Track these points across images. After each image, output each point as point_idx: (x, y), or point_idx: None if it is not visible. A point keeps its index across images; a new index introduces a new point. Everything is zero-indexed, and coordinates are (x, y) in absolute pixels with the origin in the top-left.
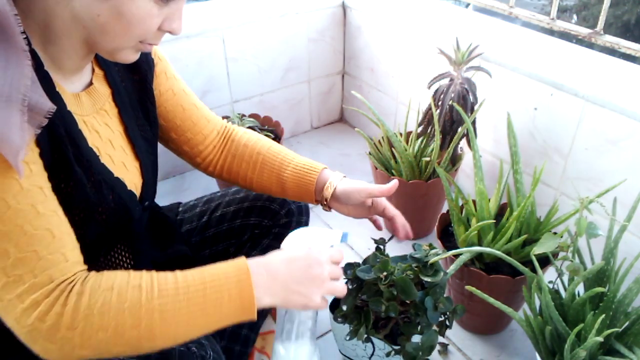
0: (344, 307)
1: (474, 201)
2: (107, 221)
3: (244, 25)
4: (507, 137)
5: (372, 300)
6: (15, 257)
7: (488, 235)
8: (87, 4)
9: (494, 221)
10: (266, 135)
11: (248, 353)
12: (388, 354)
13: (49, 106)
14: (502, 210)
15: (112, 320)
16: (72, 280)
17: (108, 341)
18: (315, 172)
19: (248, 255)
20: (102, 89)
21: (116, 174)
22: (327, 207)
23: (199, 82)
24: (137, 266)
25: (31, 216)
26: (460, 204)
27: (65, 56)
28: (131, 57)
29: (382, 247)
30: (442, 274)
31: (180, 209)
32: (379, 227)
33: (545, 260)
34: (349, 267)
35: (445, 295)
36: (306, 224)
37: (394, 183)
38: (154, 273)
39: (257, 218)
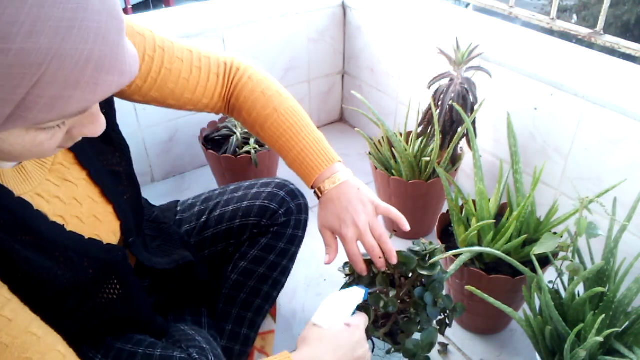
0: None
1: (474, 201)
2: (90, 281)
3: (244, 25)
4: (507, 137)
5: (371, 297)
6: None
7: (488, 235)
8: None
9: (494, 221)
10: None
11: (248, 353)
12: (388, 352)
13: None
14: (502, 210)
15: None
16: None
17: None
18: (327, 164)
19: (246, 255)
20: None
21: (88, 235)
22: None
23: None
24: (127, 297)
25: (3, 326)
26: (460, 204)
27: None
28: (67, 145)
29: None
30: (439, 268)
31: (179, 208)
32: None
33: (545, 260)
34: (346, 264)
35: (445, 294)
36: (305, 222)
37: (403, 221)
38: None
39: (256, 218)
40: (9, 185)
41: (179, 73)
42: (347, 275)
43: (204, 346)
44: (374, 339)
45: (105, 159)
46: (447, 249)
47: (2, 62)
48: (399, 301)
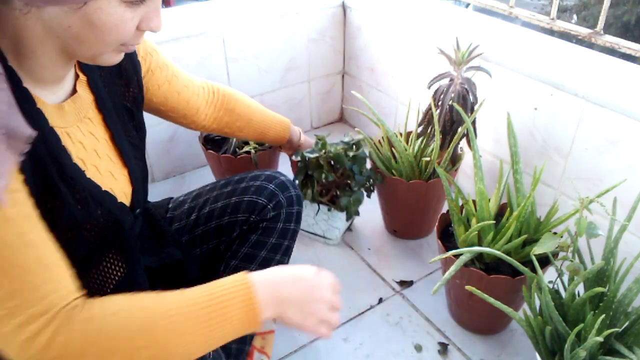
0: (297, 180)
1: (474, 201)
2: (97, 236)
3: (244, 25)
4: (507, 137)
5: (316, 172)
6: (8, 289)
7: (488, 236)
8: (57, 16)
9: (494, 222)
10: None
11: (246, 351)
12: (329, 209)
13: (29, 132)
14: (502, 210)
15: (125, 342)
16: (73, 307)
17: None
18: (287, 129)
19: (237, 253)
20: (86, 96)
21: (104, 187)
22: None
23: None
24: (130, 274)
25: (20, 246)
26: (460, 204)
27: (43, 69)
28: (114, 59)
29: (324, 138)
30: (363, 149)
31: (170, 205)
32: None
33: (545, 260)
34: (297, 153)
35: (368, 167)
36: (298, 214)
37: None
38: (158, 293)
39: (245, 214)
40: (46, 113)
41: (182, 82)
42: (299, 161)
43: None
44: (320, 205)
45: (126, 130)
46: (447, 249)
47: None
48: (335, 174)
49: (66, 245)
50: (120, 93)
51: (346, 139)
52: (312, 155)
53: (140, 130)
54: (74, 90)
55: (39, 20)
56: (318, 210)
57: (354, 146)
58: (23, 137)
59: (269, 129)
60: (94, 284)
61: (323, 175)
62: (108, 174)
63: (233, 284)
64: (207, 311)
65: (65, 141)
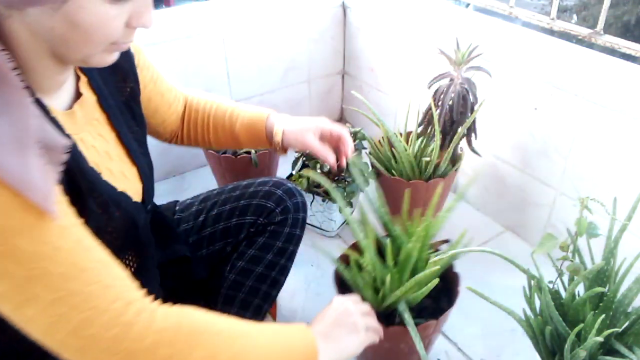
0: (294, 172)
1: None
2: (117, 237)
3: (244, 25)
4: (507, 137)
5: (312, 162)
6: (83, 292)
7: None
8: (39, 19)
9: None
10: None
11: None
12: (324, 200)
13: (64, 143)
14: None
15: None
16: (150, 303)
17: None
18: (262, 120)
19: (244, 254)
20: (89, 97)
21: (119, 188)
22: (283, 150)
23: (199, 82)
24: (143, 270)
25: (81, 251)
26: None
27: (42, 77)
28: (107, 60)
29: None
30: (359, 141)
31: (177, 207)
32: (332, 165)
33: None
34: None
35: (363, 162)
36: (303, 220)
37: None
38: (229, 319)
39: (253, 217)
40: (60, 121)
41: (166, 84)
42: (296, 151)
43: None
44: (315, 196)
45: (130, 127)
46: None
47: None
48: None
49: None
50: (119, 89)
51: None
52: None
53: (142, 124)
54: (78, 93)
55: (22, 24)
56: (313, 200)
57: (352, 137)
58: (59, 148)
59: (240, 138)
60: None
61: (318, 166)
62: (120, 174)
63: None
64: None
65: (80, 147)
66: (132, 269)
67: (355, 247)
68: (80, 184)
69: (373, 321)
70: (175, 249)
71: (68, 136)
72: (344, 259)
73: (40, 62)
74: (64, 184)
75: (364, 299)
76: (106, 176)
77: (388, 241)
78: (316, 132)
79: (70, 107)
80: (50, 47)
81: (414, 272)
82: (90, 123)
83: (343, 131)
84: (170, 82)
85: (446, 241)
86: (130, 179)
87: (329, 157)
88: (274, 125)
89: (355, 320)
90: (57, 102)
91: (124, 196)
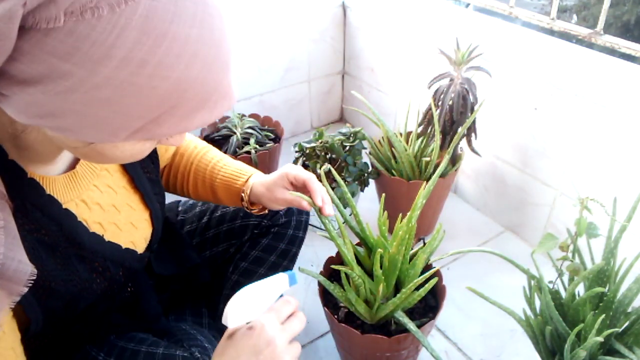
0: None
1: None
2: (118, 288)
3: (244, 25)
4: (507, 137)
5: (311, 162)
6: None
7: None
8: (63, 139)
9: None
10: (266, 136)
11: None
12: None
13: (29, 271)
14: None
15: None
16: None
17: None
18: (243, 177)
19: (247, 255)
20: None
21: (125, 244)
22: (258, 210)
23: None
24: (140, 294)
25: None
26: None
27: (44, 157)
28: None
29: (322, 130)
30: (357, 141)
31: (180, 208)
32: (305, 208)
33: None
34: (295, 144)
35: (363, 161)
36: (306, 223)
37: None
38: None
39: (257, 218)
40: (57, 192)
41: None
42: (296, 151)
43: (206, 345)
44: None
45: (144, 167)
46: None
47: (160, 85)
48: (331, 166)
49: (90, 311)
50: None
51: (344, 130)
52: (309, 145)
53: (156, 160)
54: None
55: (40, 131)
56: None
57: (352, 136)
58: (21, 279)
59: (218, 194)
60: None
61: (318, 165)
62: (128, 226)
63: None
64: None
65: (82, 211)
66: (128, 293)
67: (339, 258)
68: (71, 256)
69: (292, 328)
70: (186, 258)
71: (65, 210)
72: (327, 271)
73: (47, 149)
74: (47, 262)
75: (357, 314)
76: (110, 234)
77: (363, 250)
78: (285, 183)
79: (73, 166)
80: (64, 148)
81: (399, 277)
82: (97, 176)
83: (307, 177)
84: None
85: (421, 239)
86: (138, 227)
87: (302, 203)
88: (246, 189)
89: (273, 350)
90: (57, 166)
91: (128, 253)
